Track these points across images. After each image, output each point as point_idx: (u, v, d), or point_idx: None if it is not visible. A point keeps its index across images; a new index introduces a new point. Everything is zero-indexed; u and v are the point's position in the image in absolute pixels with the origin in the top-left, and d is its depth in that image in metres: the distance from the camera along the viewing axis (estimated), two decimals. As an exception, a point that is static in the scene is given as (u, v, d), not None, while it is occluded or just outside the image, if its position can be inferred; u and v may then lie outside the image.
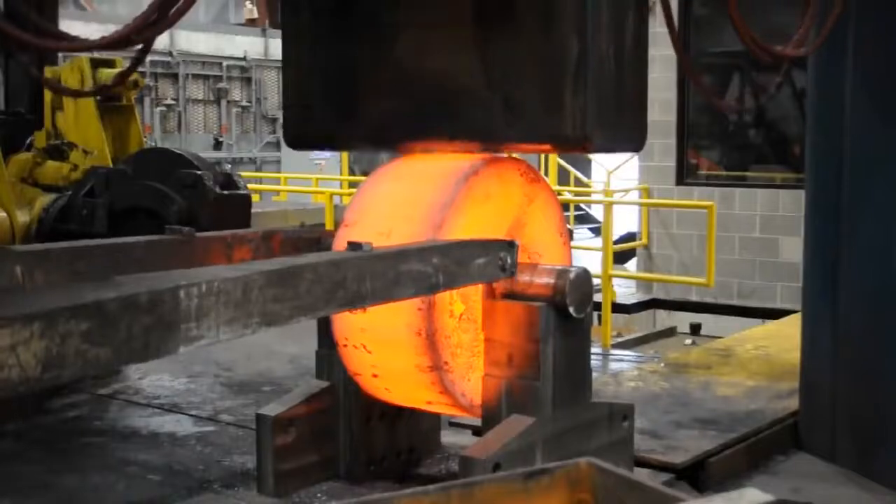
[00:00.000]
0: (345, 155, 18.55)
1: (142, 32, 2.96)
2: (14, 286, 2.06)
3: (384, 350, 3.48)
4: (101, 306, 1.97)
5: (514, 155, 3.75)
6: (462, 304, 3.44)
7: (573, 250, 3.99)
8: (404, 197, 3.60)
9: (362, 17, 3.70)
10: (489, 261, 3.21)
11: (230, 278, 2.29)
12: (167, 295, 2.11)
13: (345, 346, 3.57)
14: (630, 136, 3.60)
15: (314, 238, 3.84)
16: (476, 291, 3.44)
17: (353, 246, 2.85)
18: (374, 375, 3.58)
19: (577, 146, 3.47)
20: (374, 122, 3.74)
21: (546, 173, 14.84)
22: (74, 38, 3.20)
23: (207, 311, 2.20)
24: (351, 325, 3.51)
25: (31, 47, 3.19)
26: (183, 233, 3.56)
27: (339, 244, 3.48)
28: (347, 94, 3.77)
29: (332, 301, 2.62)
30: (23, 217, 5.64)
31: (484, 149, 3.56)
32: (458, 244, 3.18)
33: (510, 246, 3.30)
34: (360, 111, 3.76)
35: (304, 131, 3.93)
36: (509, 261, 3.29)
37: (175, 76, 23.84)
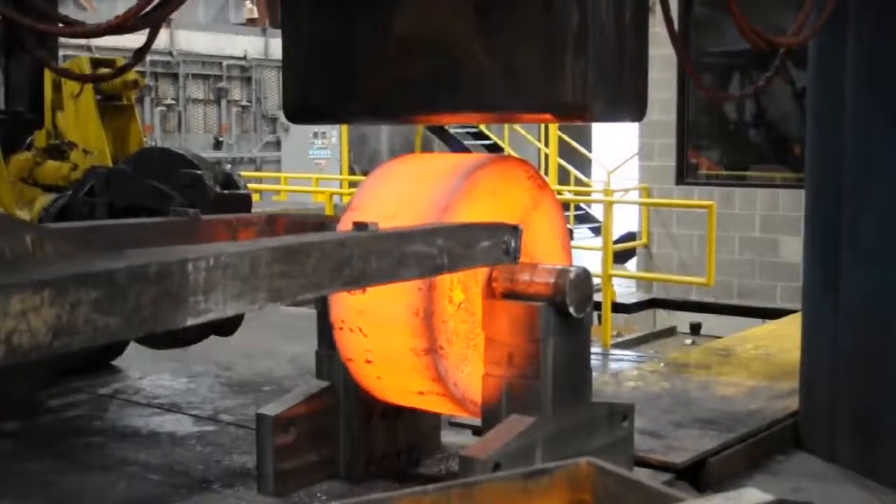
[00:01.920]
0: (345, 155, 18.58)
1: (142, 19, 2.95)
2: (24, 255, 2.08)
3: (380, 332, 3.47)
4: (110, 276, 1.98)
5: (519, 157, 3.75)
6: (462, 294, 3.44)
7: (573, 250, 3.99)
8: (410, 185, 3.61)
9: None
10: (494, 244, 3.22)
11: (237, 253, 2.30)
12: (175, 267, 2.12)
13: (340, 329, 3.57)
14: (630, 106, 3.57)
15: (318, 222, 3.87)
16: (476, 283, 3.45)
17: (359, 226, 2.86)
18: (368, 361, 3.55)
19: (577, 115, 3.46)
20: (374, 94, 3.70)
21: (546, 173, 14.85)
22: (77, 24, 3.21)
23: (215, 284, 2.21)
24: (348, 307, 3.51)
25: (34, 31, 3.19)
26: (189, 214, 3.62)
27: (345, 227, 3.48)
28: (347, 65, 3.72)
29: (338, 279, 2.62)
30: (23, 217, 5.64)
31: (485, 118, 3.55)
32: (463, 226, 3.19)
33: (514, 230, 3.30)
34: (360, 83, 3.71)
35: (304, 104, 3.88)
36: (513, 245, 3.29)
37: (175, 76, 23.84)
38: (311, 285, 2.53)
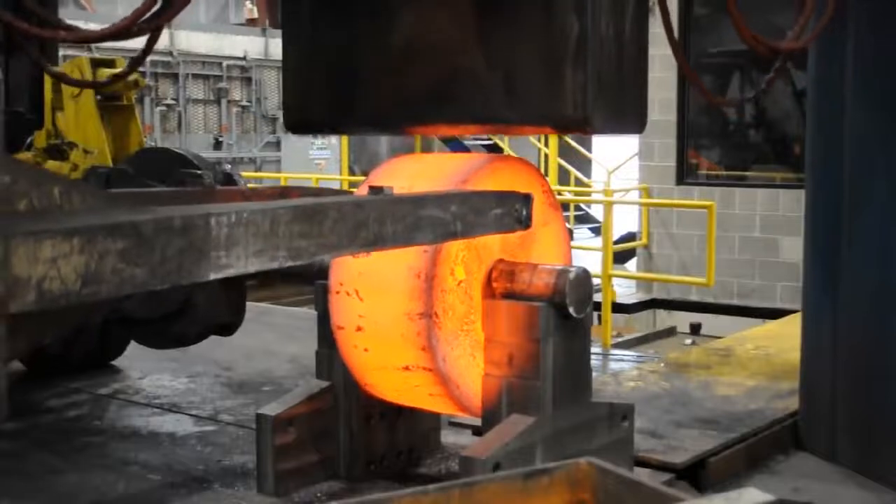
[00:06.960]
0: (345, 155, 18.57)
1: (142, 24, 2.95)
2: (52, 206, 2.12)
3: (377, 294, 3.45)
4: (136, 226, 2.02)
5: (536, 167, 3.77)
6: (464, 273, 3.44)
7: (573, 250, 3.99)
8: (428, 164, 3.67)
9: None
10: (506, 212, 3.24)
11: (259, 210, 2.35)
12: (199, 220, 2.16)
13: (337, 292, 3.56)
14: (631, 118, 3.59)
15: (332, 194, 3.91)
16: (479, 268, 3.46)
17: (375, 190, 2.89)
18: (359, 328, 3.52)
19: (578, 127, 3.47)
20: (374, 106, 3.72)
21: (546, 173, 14.84)
22: (76, 29, 3.21)
23: (237, 240, 2.25)
24: (349, 269, 3.51)
25: (34, 37, 3.20)
26: (204, 184, 3.67)
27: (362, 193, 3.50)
28: (347, 77, 3.74)
29: (356, 241, 2.65)
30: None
31: (484, 130, 3.57)
32: (476, 193, 3.22)
33: (526, 199, 3.31)
34: (360, 94, 3.73)
35: (304, 115, 3.90)
36: (524, 213, 3.30)
37: (175, 76, 23.84)
38: (329, 245, 2.56)
